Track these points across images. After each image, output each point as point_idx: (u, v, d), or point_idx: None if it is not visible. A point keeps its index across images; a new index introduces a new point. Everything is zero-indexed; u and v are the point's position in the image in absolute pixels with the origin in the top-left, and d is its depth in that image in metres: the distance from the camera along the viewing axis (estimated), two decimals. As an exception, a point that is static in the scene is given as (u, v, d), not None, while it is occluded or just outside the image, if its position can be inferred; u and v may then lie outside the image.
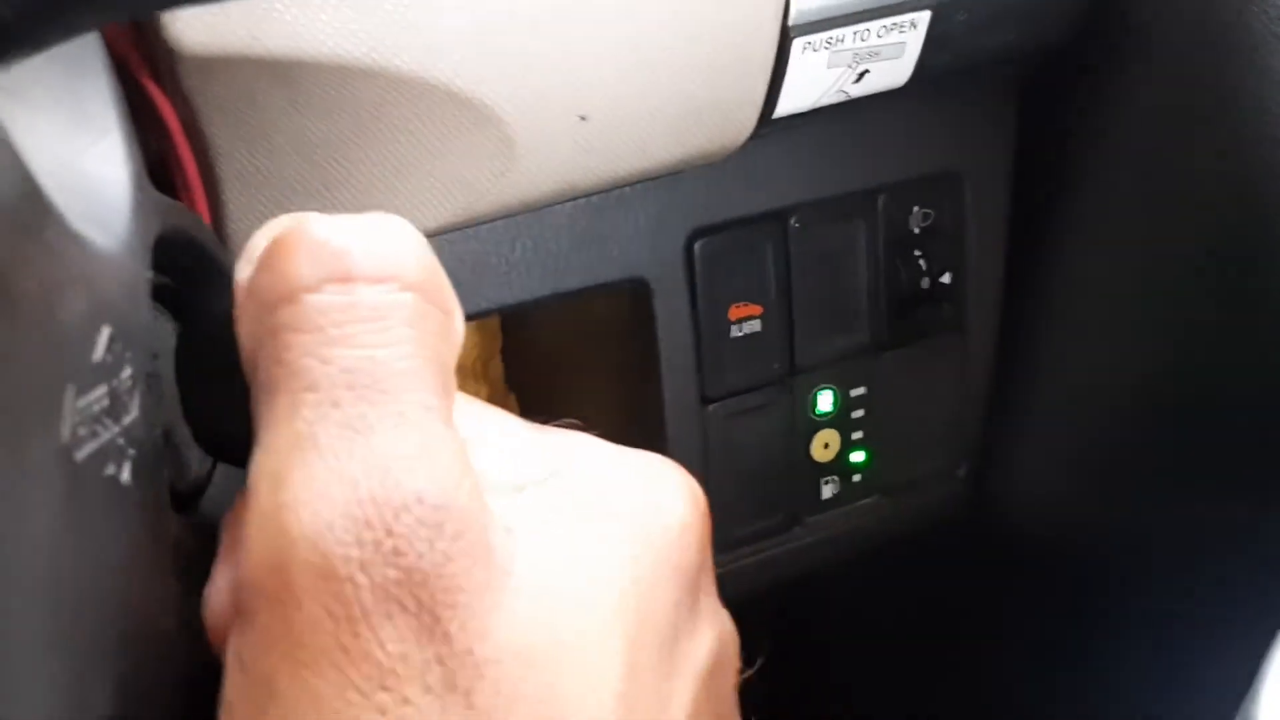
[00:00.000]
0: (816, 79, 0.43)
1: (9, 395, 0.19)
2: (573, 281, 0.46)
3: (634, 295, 0.49)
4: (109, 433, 0.23)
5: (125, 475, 0.24)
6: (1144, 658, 0.57)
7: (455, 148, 0.37)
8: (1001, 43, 0.48)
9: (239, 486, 0.38)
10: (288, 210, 0.37)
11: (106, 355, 0.23)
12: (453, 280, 0.43)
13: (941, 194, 0.53)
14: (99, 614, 0.22)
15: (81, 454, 0.21)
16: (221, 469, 0.36)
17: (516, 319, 0.64)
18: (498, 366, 0.67)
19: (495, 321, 0.65)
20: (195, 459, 0.33)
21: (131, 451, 0.24)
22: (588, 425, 0.59)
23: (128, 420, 0.24)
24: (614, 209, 0.46)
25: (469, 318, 0.45)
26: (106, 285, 0.23)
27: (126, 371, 0.24)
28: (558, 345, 0.60)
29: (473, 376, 0.65)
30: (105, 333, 0.23)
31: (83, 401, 0.22)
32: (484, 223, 0.41)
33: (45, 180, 0.21)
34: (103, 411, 0.23)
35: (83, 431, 0.22)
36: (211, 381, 0.31)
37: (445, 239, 0.43)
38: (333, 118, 0.35)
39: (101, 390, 0.22)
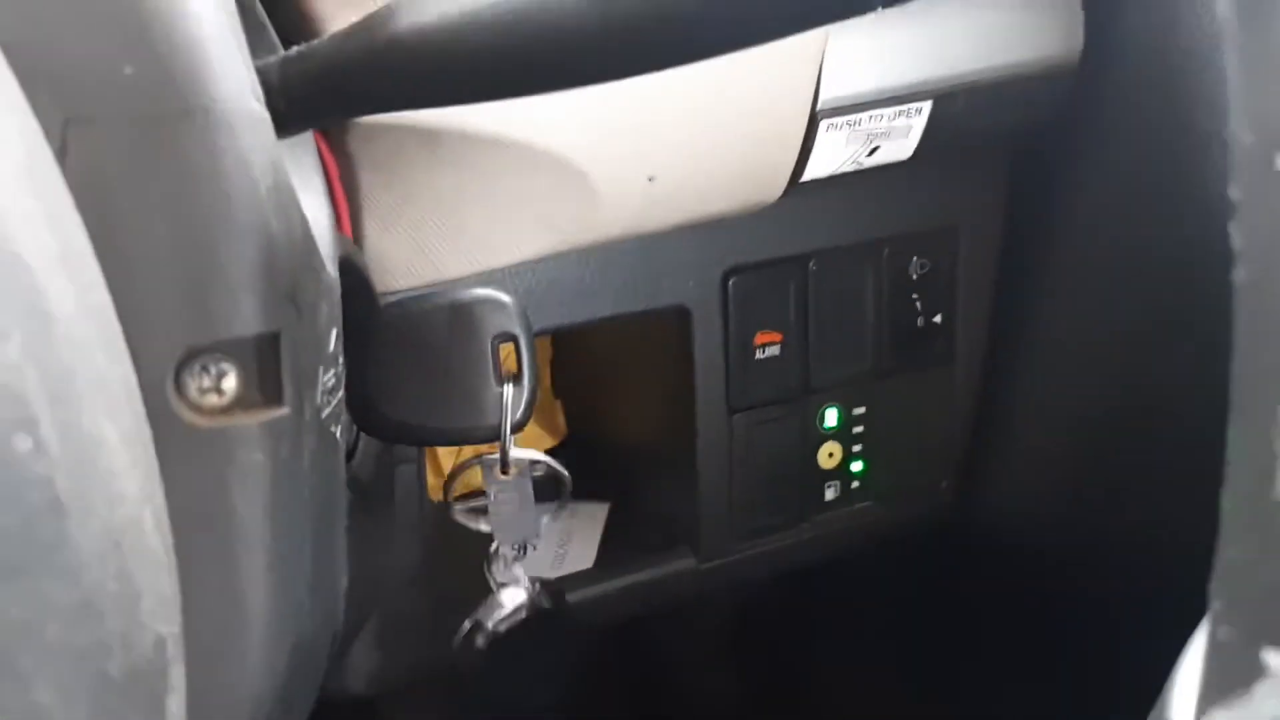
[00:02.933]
0: (837, 152, 0.53)
1: (302, 371, 0.29)
2: (629, 305, 0.56)
3: (676, 320, 0.58)
4: (334, 402, 0.32)
5: (338, 433, 0.33)
6: (1114, 661, 0.66)
7: (552, 199, 0.47)
8: (992, 125, 0.58)
9: (375, 450, 0.48)
10: (412, 243, 0.47)
11: (335, 348, 0.33)
12: (533, 299, 0.53)
13: (938, 246, 0.63)
14: (330, 528, 0.32)
15: (324, 414, 0.31)
16: (363, 438, 0.46)
17: (567, 336, 0.73)
18: (546, 377, 0.77)
19: (547, 337, 0.74)
20: (349, 429, 0.42)
21: (342, 418, 0.34)
22: (627, 429, 0.68)
23: (340, 396, 0.34)
24: (665, 248, 0.56)
25: (552, 330, 0.55)
26: (333, 297, 0.33)
27: (341, 360, 0.34)
28: (603, 360, 0.70)
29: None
30: (334, 332, 0.33)
31: (325, 378, 0.31)
32: (568, 253, 0.51)
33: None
34: (332, 388, 0.32)
35: (323, 400, 0.31)
36: (366, 375, 0.41)
37: (534, 266, 0.52)
38: (460, 173, 0.45)
39: (332, 372, 0.32)
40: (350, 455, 0.45)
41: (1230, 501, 0.15)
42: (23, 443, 0.18)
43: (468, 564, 0.51)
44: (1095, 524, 0.67)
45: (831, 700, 0.80)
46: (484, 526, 0.46)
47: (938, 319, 0.64)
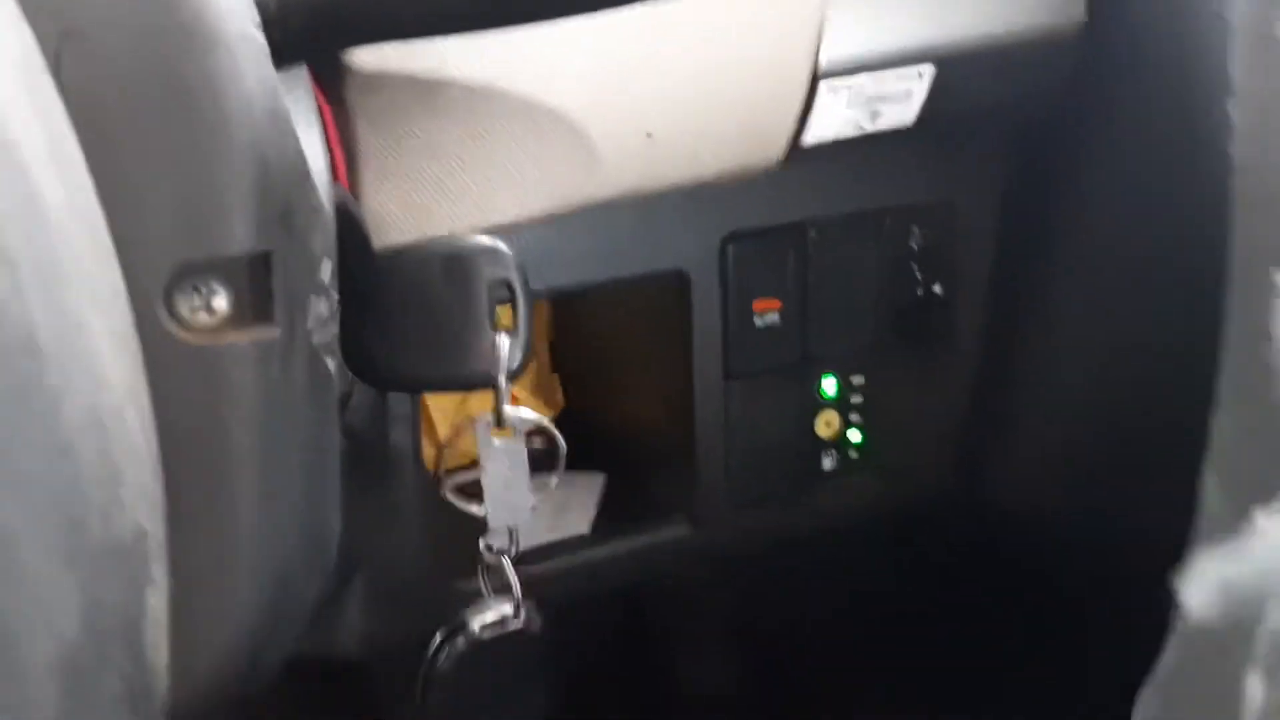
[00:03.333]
0: (837, 115, 0.53)
1: (293, 293, 0.29)
2: (628, 269, 0.56)
3: (674, 286, 0.58)
4: (327, 334, 0.32)
5: (332, 367, 0.33)
6: (1114, 642, 0.66)
7: (550, 155, 0.47)
8: (995, 93, 0.58)
9: (370, 405, 0.48)
10: (409, 198, 0.47)
11: (328, 279, 0.32)
12: (531, 262, 0.53)
13: (937, 218, 0.63)
14: (321, 462, 0.32)
15: (316, 340, 0.31)
16: (359, 387, 0.45)
17: (566, 311, 0.73)
18: (545, 350, 0.77)
19: (546, 314, 0.74)
20: (343, 376, 0.42)
21: (334, 352, 0.34)
22: (624, 400, 0.68)
23: (333, 329, 0.34)
24: (664, 213, 0.56)
25: (550, 292, 0.55)
26: (327, 232, 0.33)
27: (334, 294, 0.34)
28: (602, 332, 0.70)
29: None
30: (327, 263, 0.33)
31: (317, 306, 0.31)
32: (566, 214, 0.51)
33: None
34: (325, 319, 0.32)
35: (315, 326, 0.31)
36: (360, 322, 0.41)
37: (529, 228, 0.52)
38: (458, 126, 0.45)
39: (324, 302, 0.32)
40: (345, 403, 0.45)
41: (1227, 372, 0.15)
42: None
43: (462, 529, 0.51)
44: (1099, 503, 0.66)
45: (826, 677, 0.80)
46: (474, 509, 0.46)
47: (937, 288, 0.64)
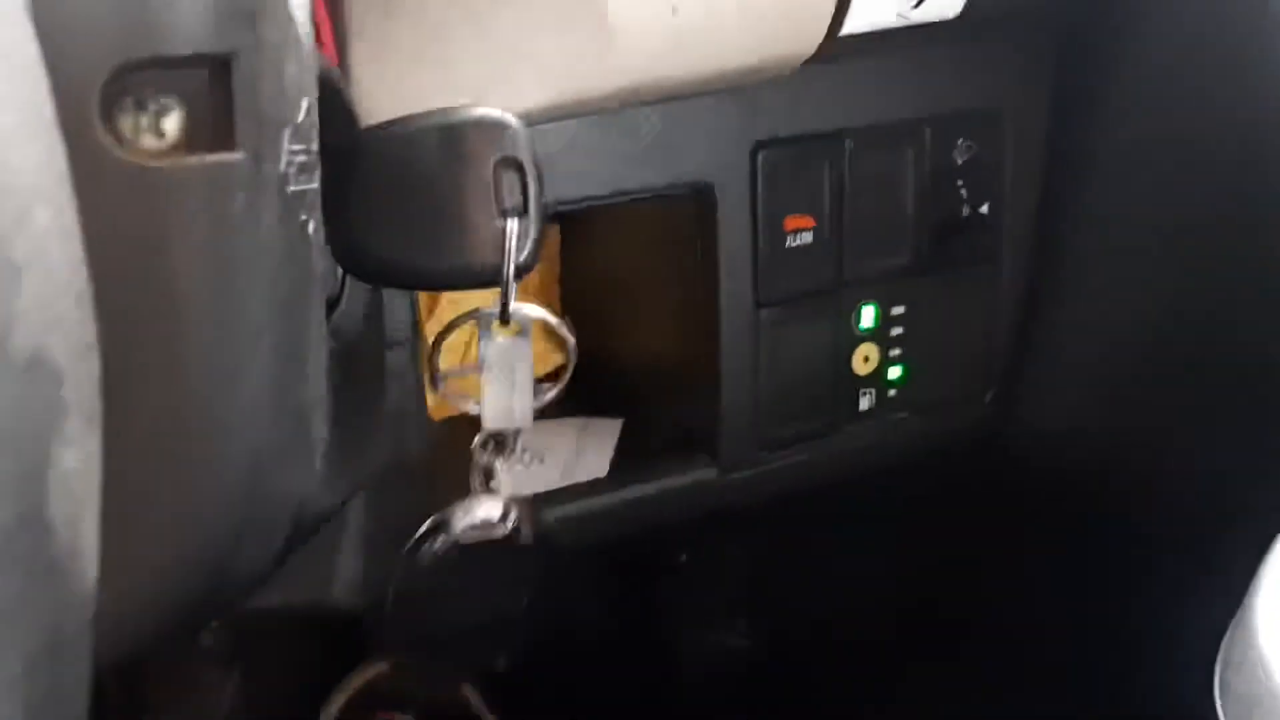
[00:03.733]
0: (880, -1, 0.48)
1: (261, 114, 0.23)
2: (646, 179, 0.51)
3: (699, 200, 0.53)
4: (304, 186, 0.27)
5: (311, 229, 0.28)
6: (1157, 578, 0.61)
7: (562, 34, 0.42)
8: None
9: (362, 307, 0.43)
10: (403, 79, 0.42)
11: (307, 120, 0.27)
12: (548, 170, 0.48)
13: (984, 129, 0.57)
14: (297, 327, 0.27)
15: (291, 188, 0.26)
16: (350, 287, 0.40)
17: (575, 244, 0.68)
18: (555, 291, 0.71)
19: (555, 250, 0.69)
20: (329, 270, 0.37)
21: (316, 213, 0.28)
22: (643, 337, 0.63)
23: (314, 184, 0.28)
24: (688, 118, 0.51)
25: (560, 204, 0.49)
26: (310, 65, 0.28)
27: (315, 145, 0.28)
28: (616, 263, 0.65)
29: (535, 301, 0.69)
30: (306, 101, 0.27)
31: (292, 147, 0.26)
32: (578, 115, 0.46)
33: None
34: (302, 167, 0.27)
35: (290, 171, 0.26)
36: (346, 206, 0.36)
37: (543, 130, 0.47)
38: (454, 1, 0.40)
39: (301, 147, 0.27)
40: (334, 305, 0.40)
41: None
42: None
43: (463, 476, 0.46)
44: (1155, 446, 0.61)
45: (854, 628, 0.75)
46: (472, 408, 0.41)
47: (984, 209, 0.58)
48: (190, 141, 0.23)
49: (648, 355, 0.63)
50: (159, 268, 0.22)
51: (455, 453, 0.49)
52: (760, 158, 0.52)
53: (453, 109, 0.36)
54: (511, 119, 0.36)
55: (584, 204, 0.51)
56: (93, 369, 0.20)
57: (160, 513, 0.24)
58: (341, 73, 0.41)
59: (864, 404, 0.59)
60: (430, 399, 0.56)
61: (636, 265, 0.62)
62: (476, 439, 0.43)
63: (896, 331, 0.59)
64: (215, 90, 0.23)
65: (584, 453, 0.59)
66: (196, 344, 0.23)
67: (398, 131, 0.36)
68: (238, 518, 0.26)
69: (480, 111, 0.36)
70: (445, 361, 0.61)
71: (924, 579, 0.71)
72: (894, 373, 0.60)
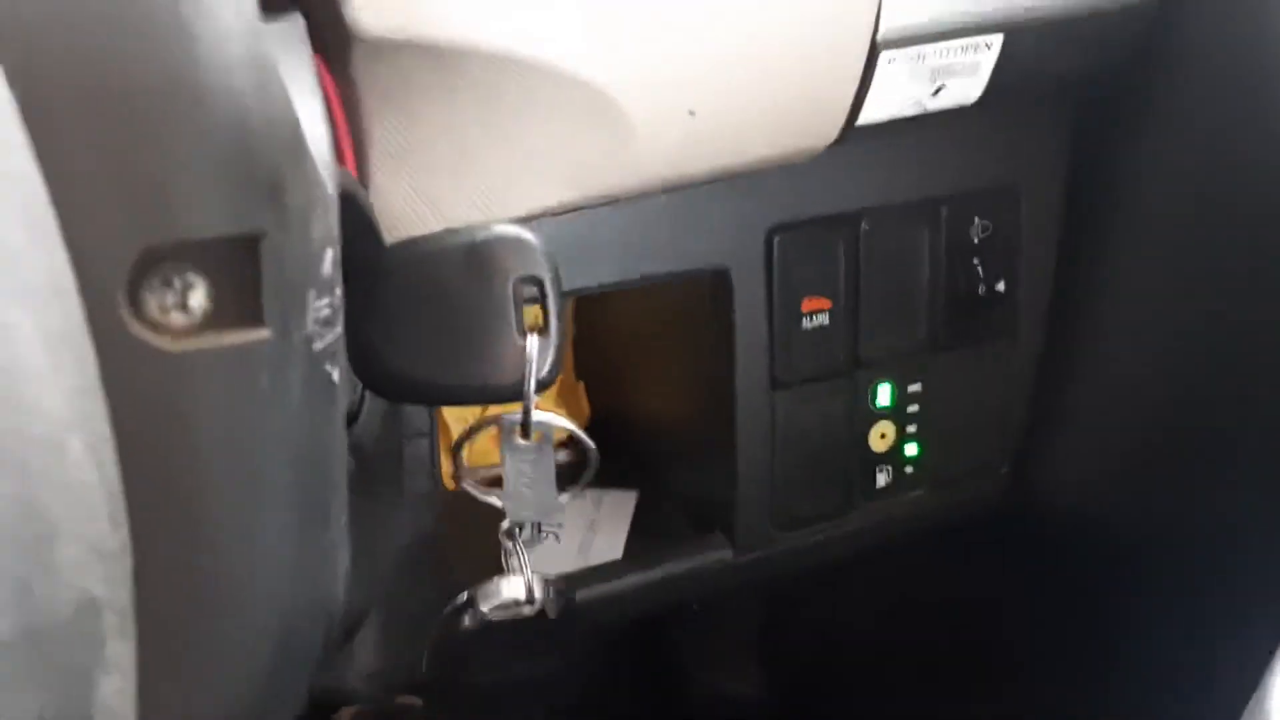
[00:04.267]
0: (898, 90, 0.47)
1: (287, 287, 0.23)
2: (662, 266, 0.51)
3: (715, 283, 0.53)
4: (329, 337, 0.27)
5: (335, 376, 0.28)
6: (1173, 651, 0.60)
7: (581, 133, 0.42)
8: (1063, 66, 0.52)
9: (381, 418, 0.43)
10: (423, 185, 0.42)
11: (331, 273, 0.27)
12: (562, 258, 0.48)
13: (1000, 206, 0.57)
14: (323, 489, 0.27)
15: (316, 346, 0.26)
16: (369, 400, 0.40)
17: (590, 311, 0.68)
18: (568, 358, 0.71)
19: (569, 311, 0.69)
20: (350, 387, 0.37)
21: (339, 360, 0.28)
22: (657, 409, 0.63)
23: (337, 332, 0.28)
24: (704, 203, 0.50)
25: (576, 292, 0.50)
26: (330, 217, 0.28)
27: (338, 291, 0.28)
28: (631, 334, 0.65)
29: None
30: (330, 254, 0.27)
31: (316, 304, 0.26)
32: (594, 206, 0.45)
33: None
34: (326, 319, 0.27)
35: (315, 329, 0.26)
36: (369, 324, 0.36)
37: (557, 220, 0.47)
38: (476, 101, 0.40)
39: (326, 301, 0.27)
40: (354, 419, 0.40)
41: None
42: None
43: (482, 553, 0.45)
44: (1167, 515, 0.61)
45: (868, 697, 0.75)
46: (495, 500, 0.41)
47: (1000, 287, 0.58)
48: (217, 317, 0.23)
49: (663, 424, 0.63)
50: (183, 447, 0.22)
51: (470, 525, 0.49)
52: (776, 242, 0.52)
53: (475, 228, 0.36)
54: (532, 237, 0.36)
55: (600, 289, 0.50)
56: (125, 571, 0.20)
57: (192, 670, 0.24)
58: (361, 181, 0.41)
59: (881, 480, 0.59)
60: (445, 465, 0.56)
61: (651, 336, 0.62)
62: (503, 524, 0.43)
63: (913, 408, 0.58)
64: (241, 266, 0.23)
65: (599, 530, 0.59)
66: (220, 511, 0.23)
67: (420, 249, 0.36)
68: (269, 658, 0.26)
69: (501, 230, 0.36)
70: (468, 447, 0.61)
71: (941, 642, 0.71)
72: (911, 449, 0.59)
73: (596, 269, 0.50)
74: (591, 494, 0.62)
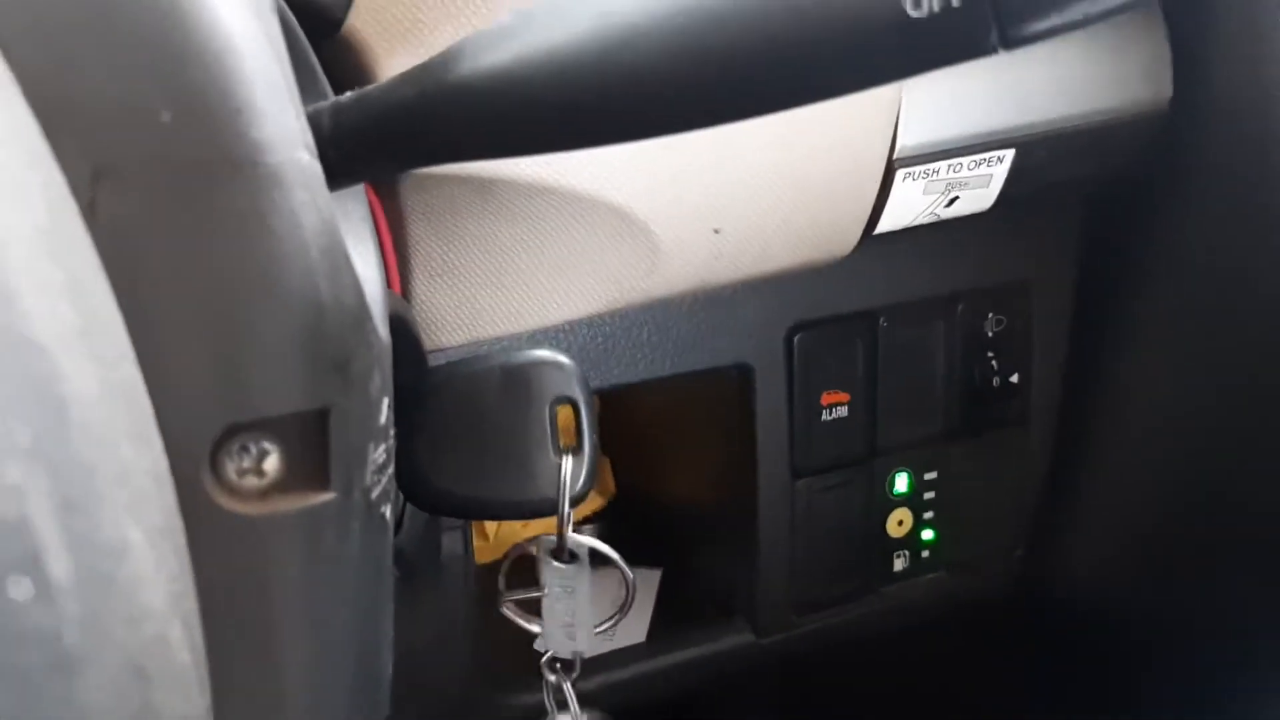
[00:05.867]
0: (913, 203, 0.50)
1: (351, 450, 0.26)
2: (687, 365, 0.53)
3: (737, 379, 0.55)
4: (384, 480, 0.29)
5: (387, 514, 0.30)
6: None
7: (611, 252, 0.44)
8: (1075, 173, 0.55)
9: (421, 527, 0.45)
10: (463, 298, 0.44)
11: (386, 420, 0.30)
12: (587, 357, 0.50)
13: (1013, 301, 0.59)
14: (376, 617, 0.29)
15: (373, 495, 0.28)
16: (410, 510, 0.42)
17: (616, 393, 0.70)
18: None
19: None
20: (396, 499, 0.39)
21: (390, 495, 0.31)
22: (681, 490, 0.65)
23: (390, 470, 0.31)
24: (727, 303, 0.53)
25: (606, 390, 0.52)
26: (386, 366, 0.30)
27: (393, 432, 0.31)
28: (656, 416, 0.67)
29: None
30: (386, 401, 0.30)
31: (375, 455, 0.28)
32: (621, 311, 0.48)
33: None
34: (382, 464, 0.29)
35: (373, 479, 0.28)
36: (413, 442, 0.38)
37: (585, 322, 0.49)
38: (516, 223, 0.42)
39: (383, 447, 0.29)
40: (397, 528, 0.42)
41: None
42: (19, 589, 0.15)
43: (515, 634, 0.47)
44: (1182, 601, 0.62)
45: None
46: (535, 627, 0.43)
47: (1014, 378, 0.60)
48: (287, 478, 0.25)
49: (686, 505, 0.65)
50: (257, 607, 0.24)
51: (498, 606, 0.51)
52: (796, 340, 0.54)
53: (513, 351, 0.38)
54: (568, 361, 0.38)
55: (625, 386, 0.53)
56: None
57: None
58: (404, 294, 0.43)
59: (898, 565, 0.61)
60: (475, 539, 0.58)
61: (677, 421, 0.64)
62: (544, 658, 0.45)
63: (929, 495, 0.60)
64: (312, 434, 0.25)
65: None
66: (288, 671, 0.25)
67: (462, 370, 0.38)
68: None
69: (539, 354, 0.38)
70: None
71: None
72: (927, 534, 0.61)
73: (624, 366, 0.52)
74: (616, 575, 0.64)
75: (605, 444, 0.73)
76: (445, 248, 0.43)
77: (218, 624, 0.23)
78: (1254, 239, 0.56)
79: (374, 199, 0.42)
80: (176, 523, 0.22)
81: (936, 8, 0.24)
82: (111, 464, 0.18)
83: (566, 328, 0.50)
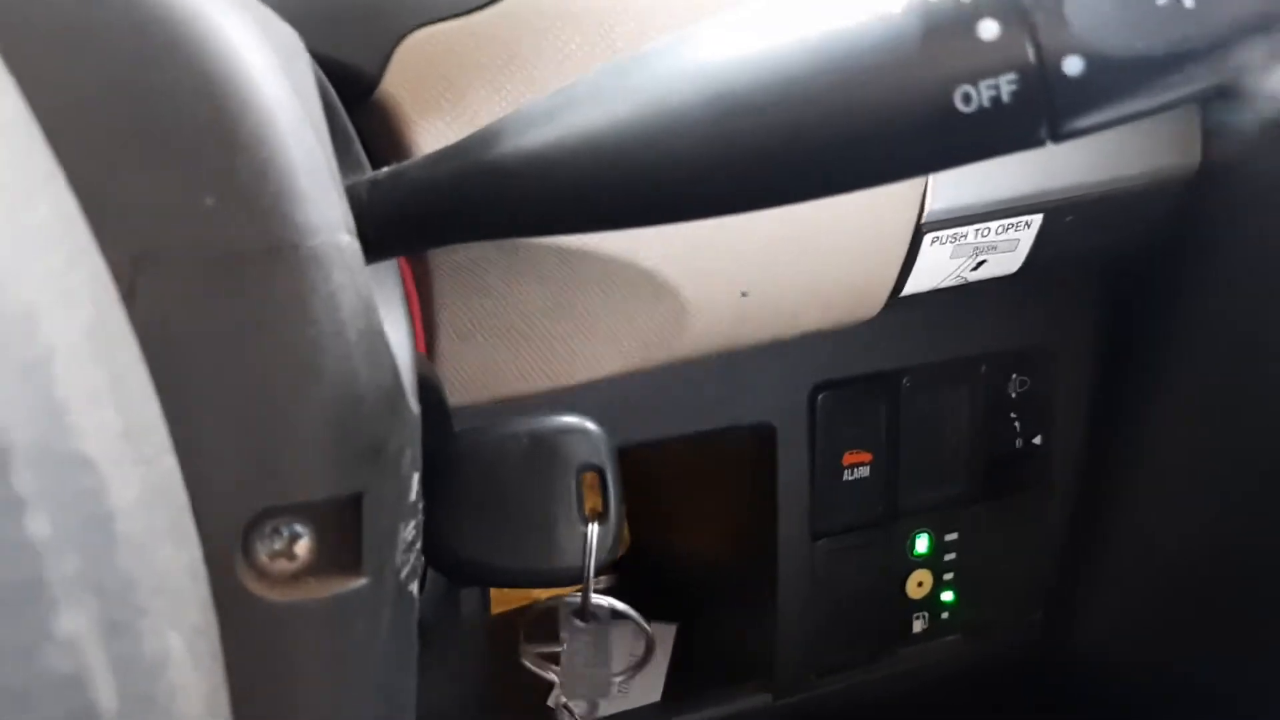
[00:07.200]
0: (940, 266, 0.49)
1: (383, 533, 0.25)
2: (709, 423, 0.52)
3: (759, 438, 0.55)
4: (413, 558, 0.29)
5: (414, 589, 0.30)
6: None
7: (638, 314, 0.44)
8: (1102, 239, 0.54)
9: (442, 590, 0.45)
10: (486, 357, 0.44)
11: (416, 496, 0.29)
12: (609, 415, 0.50)
13: (1037, 364, 0.59)
14: (401, 696, 0.28)
15: (402, 574, 0.28)
16: (431, 574, 0.42)
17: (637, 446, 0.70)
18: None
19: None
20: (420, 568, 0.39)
21: (419, 571, 0.30)
22: (698, 545, 0.64)
23: (419, 546, 0.30)
24: (750, 363, 0.52)
25: (628, 446, 0.51)
26: (416, 442, 0.30)
27: (421, 506, 0.30)
28: (676, 471, 0.66)
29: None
30: (416, 478, 0.29)
31: (405, 533, 0.28)
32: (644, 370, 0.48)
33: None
34: (412, 541, 0.29)
35: (402, 558, 0.28)
36: (438, 508, 0.38)
37: (609, 380, 0.49)
38: (544, 284, 0.42)
39: (412, 524, 0.29)
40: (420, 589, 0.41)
41: None
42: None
43: (528, 683, 0.47)
44: (1202, 670, 0.61)
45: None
46: (553, 676, 0.42)
47: (1037, 440, 0.59)
48: (319, 564, 0.24)
49: (703, 562, 0.65)
50: (284, 694, 0.24)
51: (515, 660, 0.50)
52: (819, 400, 0.54)
53: (540, 418, 0.38)
54: (595, 428, 0.38)
55: (649, 444, 0.52)
56: None
57: None
58: (429, 351, 0.43)
59: (917, 626, 0.60)
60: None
61: (696, 477, 0.64)
62: (561, 700, 0.44)
63: (950, 557, 0.60)
64: (345, 520, 0.25)
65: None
66: None
67: (488, 437, 0.38)
68: None
69: (566, 420, 0.38)
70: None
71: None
72: (947, 596, 0.60)
73: (646, 424, 0.52)
74: (633, 627, 0.64)
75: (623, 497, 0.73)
76: (471, 307, 0.43)
77: (244, 713, 0.22)
78: (1276, 309, 0.56)
79: (402, 261, 0.42)
80: (212, 617, 0.21)
81: (987, 103, 0.23)
82: (152, 571, 0.18)
83: (590, 385, 0.49)
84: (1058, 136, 0.24)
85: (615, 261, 0.42)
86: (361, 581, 0.25)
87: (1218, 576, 0.60)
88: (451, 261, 0.42)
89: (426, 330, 0.44)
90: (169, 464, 0.21)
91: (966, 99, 0.23)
